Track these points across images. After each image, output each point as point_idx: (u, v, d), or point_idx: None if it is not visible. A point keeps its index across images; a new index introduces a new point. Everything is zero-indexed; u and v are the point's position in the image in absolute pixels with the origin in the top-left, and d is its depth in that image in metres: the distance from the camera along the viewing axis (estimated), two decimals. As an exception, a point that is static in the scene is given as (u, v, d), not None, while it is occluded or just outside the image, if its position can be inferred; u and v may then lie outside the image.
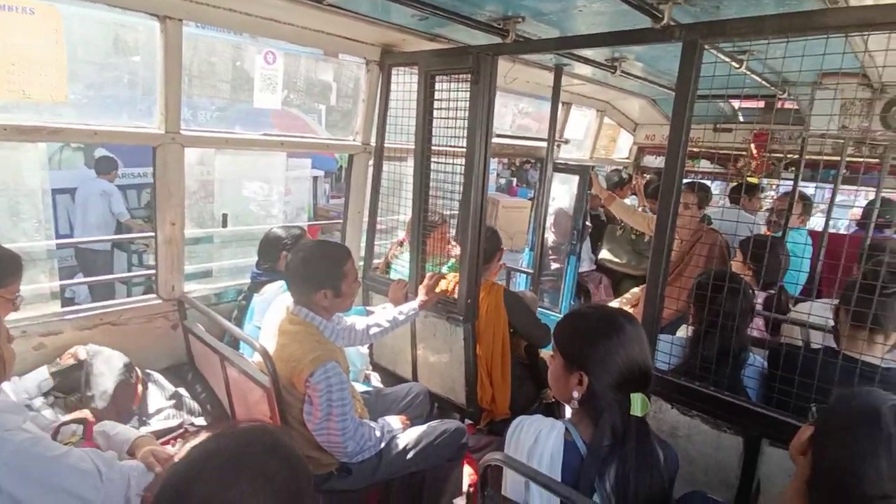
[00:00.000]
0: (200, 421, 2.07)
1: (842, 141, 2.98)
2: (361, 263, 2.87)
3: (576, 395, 1.18)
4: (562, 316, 3.50)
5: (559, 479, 1.13)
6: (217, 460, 0.72)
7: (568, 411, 1.30)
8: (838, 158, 3.13)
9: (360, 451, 1.78)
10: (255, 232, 5.30)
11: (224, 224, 5.63)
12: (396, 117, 2.61)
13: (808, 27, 1.40)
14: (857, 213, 4.92)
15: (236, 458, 0.73)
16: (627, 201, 4.28)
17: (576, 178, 3.81)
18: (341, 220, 3.10)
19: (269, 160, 6.44)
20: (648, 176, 4.84)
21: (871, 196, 3.32)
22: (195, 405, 2.11)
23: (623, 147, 5.08)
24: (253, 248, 2.65)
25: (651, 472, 1.14)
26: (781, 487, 1.46)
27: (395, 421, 1.99)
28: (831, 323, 1.74)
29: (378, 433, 1.86)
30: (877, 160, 3.35)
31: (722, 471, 1.64)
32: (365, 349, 2.81)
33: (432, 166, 2.41)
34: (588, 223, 4.28)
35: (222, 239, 5.60)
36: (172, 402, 2.09)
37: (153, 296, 2.37)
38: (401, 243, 3.03)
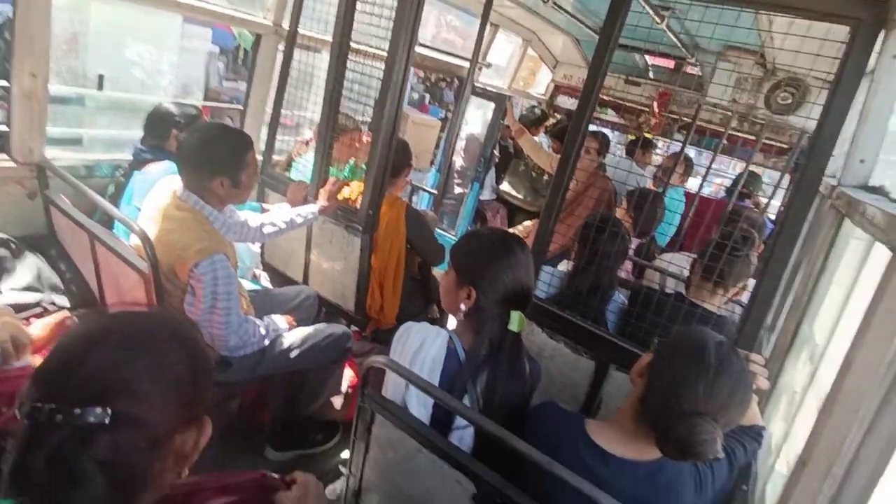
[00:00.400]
0: (63, 301, 1.91)
1: (729, 113, 3.27)
2: (261, 158, 2.69)
3: (463, 307, 1.28)
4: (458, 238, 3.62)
5: (439, 381, 1.24)
6: (115, 338, 0.67)
7: (450, 324, 1.40)
8: (723, 129, 3.45)
9: (243, 346, 1.77)
10: (138, 102, 4.65)
11: (100, 86, 4.83)
12: (315, 1, 2.38)
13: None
14: (721, 181, 5.50)
15: (136, 339, 0.68)
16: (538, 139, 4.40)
17: (492, 105, 3.81)
18: (235, 106, 2.85)
19: (161, 21, 5.55)
20: (559, 116, 4.97)
21: (740, 167, 3.73)
22: (57, 282, 1.93)
23: (541, 83, 5.13)
24: (134, 119, 2.37)
25: (517, 381, 1.30)
26: (619, 404, 1.71)
27: (280, 320, 1.98)
28: (686, 273, 2.00)
29: (263, 330, 1.85)
30: (753, 137, 3.73)
31: (574, 388, 1.87)
32: (256, 247, 2.72)
33: (349, 64, 2.26)
34: (497, 153, 4.35)
35: (97, 104, 4.81)
36: (29, 275, 1.88)
37: (3, 156, 2.05)
38: (307, 143, 2.88)
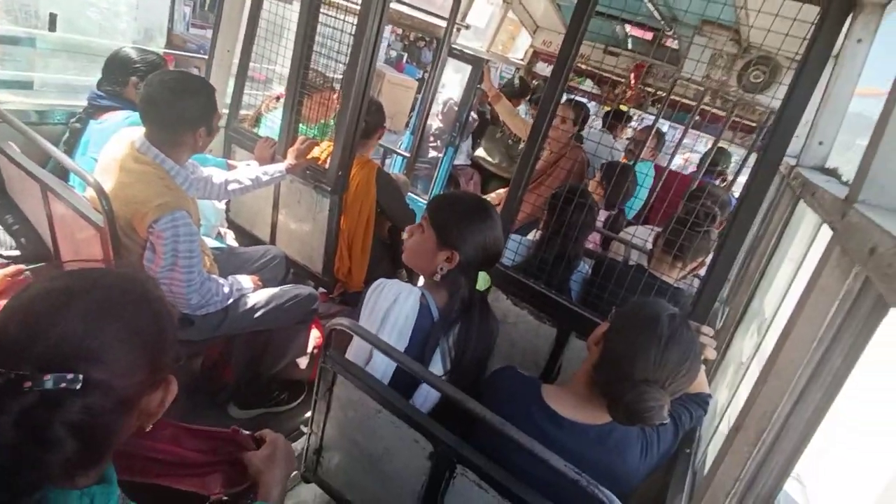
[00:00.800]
0: (13, 254, 1.84)
1: (702, 89, 3.29)
2: (226, 111, 2.60)
3: (442, 269, 1.29)
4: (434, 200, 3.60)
5: (410, 336, 1.27)
6: (84, 302, 0.65)
7: (418, 283, 1.42)
8: (695, 104, 3.48)
9: (205, 305, 1.75)
10: (95, 46, 4.36)
11: (52, 27, 4.50)
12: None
13: (705, -31, 1.46)
14: (688, 157, 5.57)
15: (107, 303, 0.66)
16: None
17: (469, 68, 3.74)
18: (202, 56, 2.71)
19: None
20: (536, 82, 4.92)
21: (708, 144, 3.78)
22: (6, 237, 1.85)
23: (520, 48, 5.04)
24: (90, 64, 2.24)
25: (484, 337, 1.35)
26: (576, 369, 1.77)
27: (245, 280, 1.96)
28: (650, 246, 2.05)
29: (226, 290, 1.82)
30: (723, 113, 3.78)
31: (535, 354, 1.93)
32: (221, 205, 2.65)
33: (321, 18, 2.18)
34: (475, 116, 4.30)
35: (50, 46, 4.50)
36: (-25, 227, 1.80)
37: (-55, 98, 1.93)
38: (278, 98, 2.78)
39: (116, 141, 1.67)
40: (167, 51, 5.52)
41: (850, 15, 1.31)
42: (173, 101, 1.59)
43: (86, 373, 0.62)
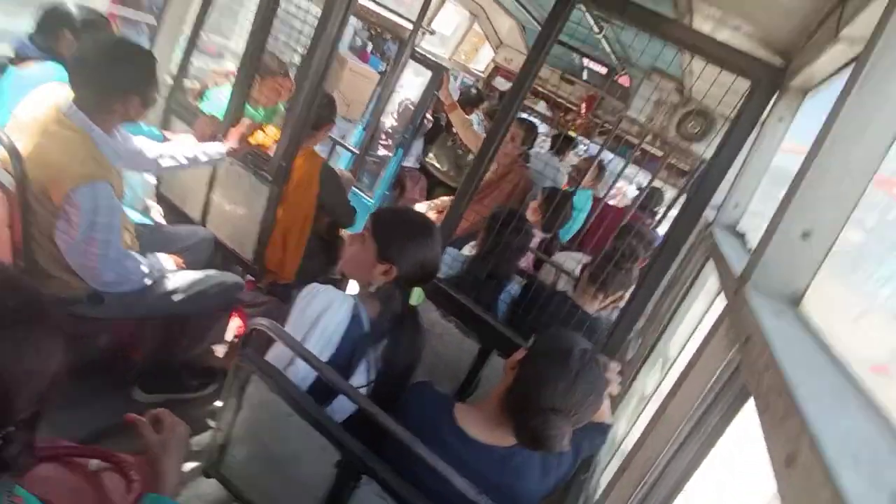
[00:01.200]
0: None
1: (645, 129, 3.48)
2: (170, 80, 2.47)
3: (378, 282, 1.31)
4: (375, 203, 3.57)
5: (339, 345, 1.27)
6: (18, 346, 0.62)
7: (350, 289, 1.42)
8: (637, 141, 3.66)
9: (119, 283, 1.65)
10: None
11: None
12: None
13: (656, 30, 1.55)
14: (620, 188, 5.86)
15: (25, 343, 0.64)
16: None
17: (429, 74, 3.75)
18: (150, 18, 2.57)
19: None
20: (490, 93, 5.01)
21: (647, 179, 3.99)
22: None
23: (482, 60, 5.12)
24: (20, 8, 2.05)
25: (411, 352, 1.38)
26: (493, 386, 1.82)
27: (167, 260, 1.88)
28: (577, 271, 2.14)
29: (145, 269, 1.73)
30: (661, 154, 4.01)
31: (456, 367, 1.96)
32: (152, 177, 2.51)
33: (282, 3, 2.12)
34: (430, 118, 4.31)
35: None
36: None
37: None
38: (227, 75, 2.68)
39: (40, 98, 1.54)
40: (114, 11, 5.09)
41: (777, 94, 1.44)
42: (106, 62, 1.50)
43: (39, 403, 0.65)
